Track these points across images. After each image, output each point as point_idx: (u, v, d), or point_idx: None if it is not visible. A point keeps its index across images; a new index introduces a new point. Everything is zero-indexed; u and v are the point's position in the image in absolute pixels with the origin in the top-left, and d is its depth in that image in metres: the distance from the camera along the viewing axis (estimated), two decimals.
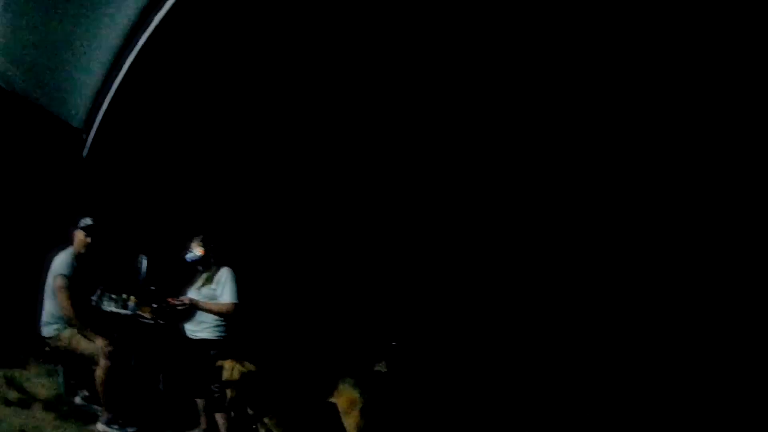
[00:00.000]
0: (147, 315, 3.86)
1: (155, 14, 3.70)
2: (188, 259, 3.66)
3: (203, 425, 3.52)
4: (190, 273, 3.73)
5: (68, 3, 3.68)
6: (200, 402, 3.52)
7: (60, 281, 3.25)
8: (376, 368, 3.71)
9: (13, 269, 4.04)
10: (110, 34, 3.93)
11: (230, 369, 3.28)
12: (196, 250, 3.63)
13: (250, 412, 3.33)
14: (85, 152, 4.88)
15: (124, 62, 4.10)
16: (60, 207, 3.87)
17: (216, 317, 3.45)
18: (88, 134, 4.80)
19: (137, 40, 3.92)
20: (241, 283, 3.53)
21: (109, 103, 4.48)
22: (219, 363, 3.33)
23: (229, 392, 3.28)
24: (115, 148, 4.90)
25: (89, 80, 4.34)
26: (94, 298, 3.88)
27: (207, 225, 4.05)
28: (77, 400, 3.56)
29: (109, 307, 3.86)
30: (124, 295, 3.98)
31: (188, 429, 3.56)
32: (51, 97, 4.43)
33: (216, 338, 3.46)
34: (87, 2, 3.71)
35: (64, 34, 3.93)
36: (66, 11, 3.72)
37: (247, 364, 3.34)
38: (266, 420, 3.28)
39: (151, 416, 3.59)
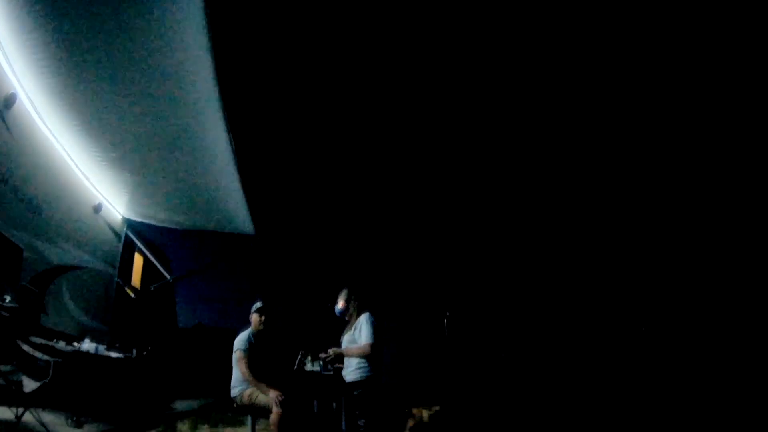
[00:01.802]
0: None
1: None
2: (337, 313, 4.16)
3: None
4: (343, 324, 4.20)
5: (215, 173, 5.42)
6: None
7: (239, 354, 4.09)
8: None
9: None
10: (235, 182, 5.39)
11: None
12: (340, 304, 4.11)
13: None
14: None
15: (249, 196, 5.81)
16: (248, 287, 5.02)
17: (358, 360, 3.79)
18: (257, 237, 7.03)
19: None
20: (381, 326, 3.90)
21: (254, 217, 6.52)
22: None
23: None
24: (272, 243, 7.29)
25: (241, 208, 6.07)
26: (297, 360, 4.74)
27: (350, 279, 4.63)
28: None
29: (312, 367, 4.65)
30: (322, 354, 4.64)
31: None
32: (223, 223, 6.70)
33: (359, 379, 3.75)
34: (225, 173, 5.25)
35: (222, 191, 5.76)
36: (218, 176, 5.43)
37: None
38: None
39: None
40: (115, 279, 6.73)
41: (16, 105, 4.33)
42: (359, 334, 3.86)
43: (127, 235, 7.19)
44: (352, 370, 3.84)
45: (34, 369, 3.75)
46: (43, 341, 4.27)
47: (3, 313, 3.85)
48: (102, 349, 4.75)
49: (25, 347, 3.81)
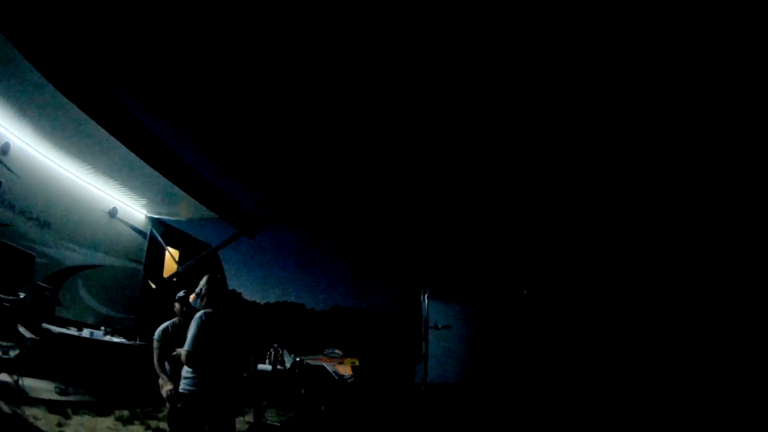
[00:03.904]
0: None
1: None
2: (193, 305, 3.40)
3: None
4: None
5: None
6: None
7: (154, 344, 4.26)
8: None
9: None
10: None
11: None
12: (191, 295, 3.40)
13: None
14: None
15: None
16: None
17: (186, 368, 3.12)
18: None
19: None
20: (212, 329, 3.11)
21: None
22: None
23: None
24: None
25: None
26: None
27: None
28: None
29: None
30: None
31: None
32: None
33: (181, 390, 3.12)
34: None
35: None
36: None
37: None
38: None
39: None
40: (141, 273, 7.87)
41: (12, 149, 5.42)
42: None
43: (152, 232, 8.33)
44: (181, 378, 3.16)
45: (23, 344, 4.79)
46: (51, 327, 5.37)
47: (4, 303, 4.93)
48: (99, 334, 5.77)
49: (21, 329, 4.85)
